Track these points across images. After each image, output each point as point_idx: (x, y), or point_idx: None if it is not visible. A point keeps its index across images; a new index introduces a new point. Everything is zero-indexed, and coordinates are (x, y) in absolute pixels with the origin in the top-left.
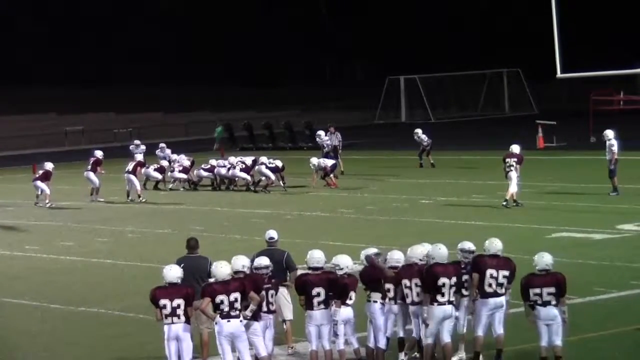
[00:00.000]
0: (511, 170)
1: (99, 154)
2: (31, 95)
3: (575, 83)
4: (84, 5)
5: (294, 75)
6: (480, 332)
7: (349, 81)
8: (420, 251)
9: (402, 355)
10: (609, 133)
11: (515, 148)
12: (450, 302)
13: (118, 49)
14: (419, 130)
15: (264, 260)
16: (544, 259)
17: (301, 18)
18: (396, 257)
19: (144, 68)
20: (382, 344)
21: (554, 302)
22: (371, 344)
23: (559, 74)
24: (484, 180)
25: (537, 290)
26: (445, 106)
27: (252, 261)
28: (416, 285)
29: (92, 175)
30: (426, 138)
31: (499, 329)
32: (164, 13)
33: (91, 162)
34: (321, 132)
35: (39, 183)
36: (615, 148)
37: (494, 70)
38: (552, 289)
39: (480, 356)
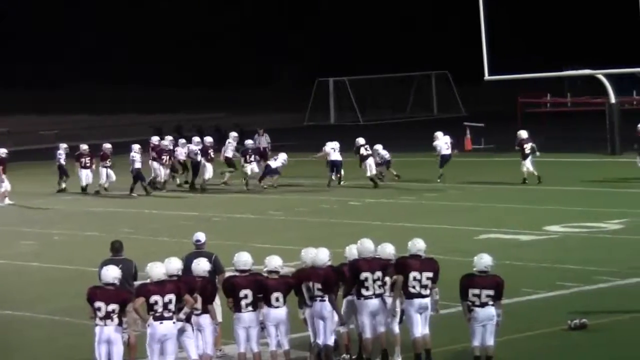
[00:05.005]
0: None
1: (155, 139)
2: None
3: (505, 85)
4: (84, 4)
5: (224, 78)
6: (417, 334)
7: (279, 83)
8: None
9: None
10: (522, 133)
11: (524, 133)
12: (377, 296)
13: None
14: (379, 147)
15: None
16: (483, 261)
17: (235, 21)
18: (388, 251)
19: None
20: (331, 341)
21: (491, 303)
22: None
23: (486, 76)
24: (412, 181)
25: (477, 291)
26: (375, 108)
27: (184, 263)
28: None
29: (156, 164)
30: (387, 153)
31: (425, 329)
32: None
33: (157, 151)
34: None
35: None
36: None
37: (423, 73)
38: (491, 292)
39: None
